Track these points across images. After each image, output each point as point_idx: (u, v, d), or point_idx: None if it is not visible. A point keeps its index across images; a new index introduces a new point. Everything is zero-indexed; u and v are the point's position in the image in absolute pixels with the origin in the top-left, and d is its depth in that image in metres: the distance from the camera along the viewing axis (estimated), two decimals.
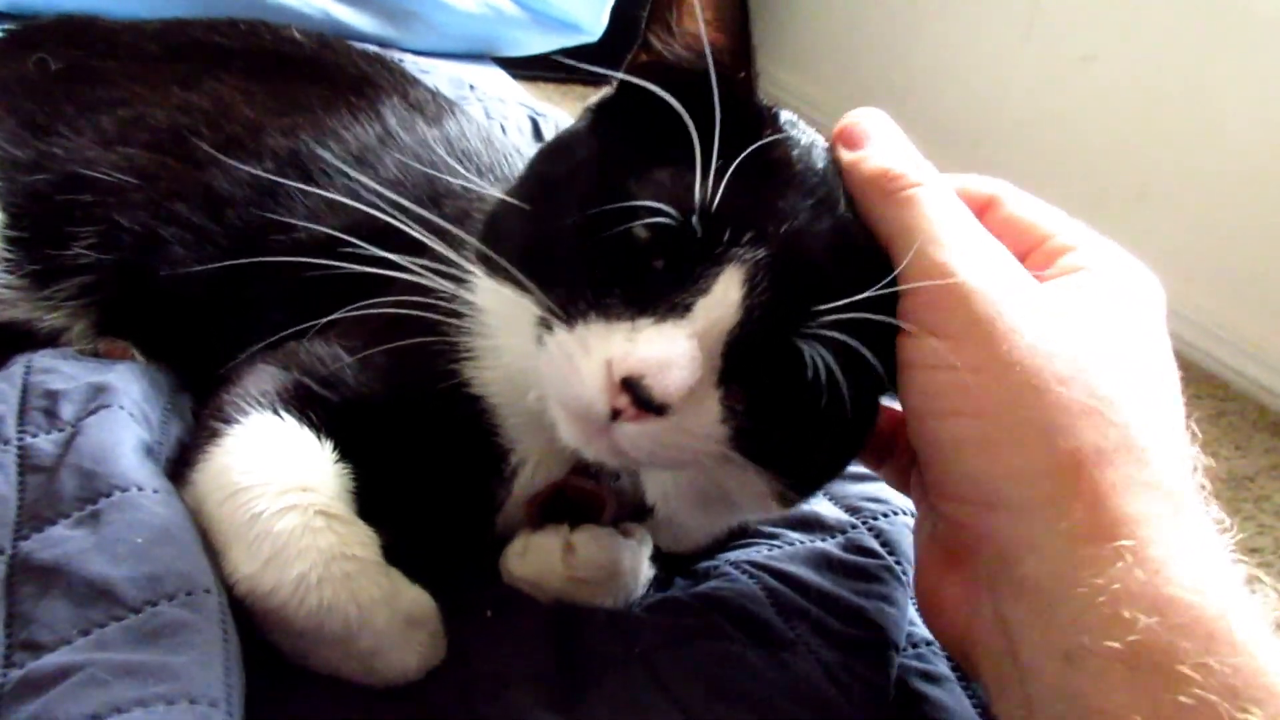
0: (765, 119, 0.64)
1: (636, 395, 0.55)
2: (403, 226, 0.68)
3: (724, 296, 0.57)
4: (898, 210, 0.60)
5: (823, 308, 0.57)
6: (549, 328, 0.60)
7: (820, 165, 0.63)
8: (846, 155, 0.64)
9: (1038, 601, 0.53)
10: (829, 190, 0.62)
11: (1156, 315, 0.62)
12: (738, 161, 0.58)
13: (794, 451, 0.62)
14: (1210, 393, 2.63)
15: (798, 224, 0.59)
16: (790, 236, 0.58)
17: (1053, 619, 0.52)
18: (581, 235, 0.61)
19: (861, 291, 0.57)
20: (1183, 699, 0.46)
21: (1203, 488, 0.57)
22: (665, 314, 0.57)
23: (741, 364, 0.58)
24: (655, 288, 0.58)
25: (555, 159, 0.71)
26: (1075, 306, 0.59)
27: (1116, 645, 0.48)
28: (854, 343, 0.57)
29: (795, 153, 0.63)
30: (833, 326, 0.57)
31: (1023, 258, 0.62)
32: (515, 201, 0.66)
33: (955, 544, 0.60)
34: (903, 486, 0.75)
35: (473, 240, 0.66)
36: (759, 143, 0.60)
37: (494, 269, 0.64)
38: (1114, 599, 0.49)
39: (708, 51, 0.59)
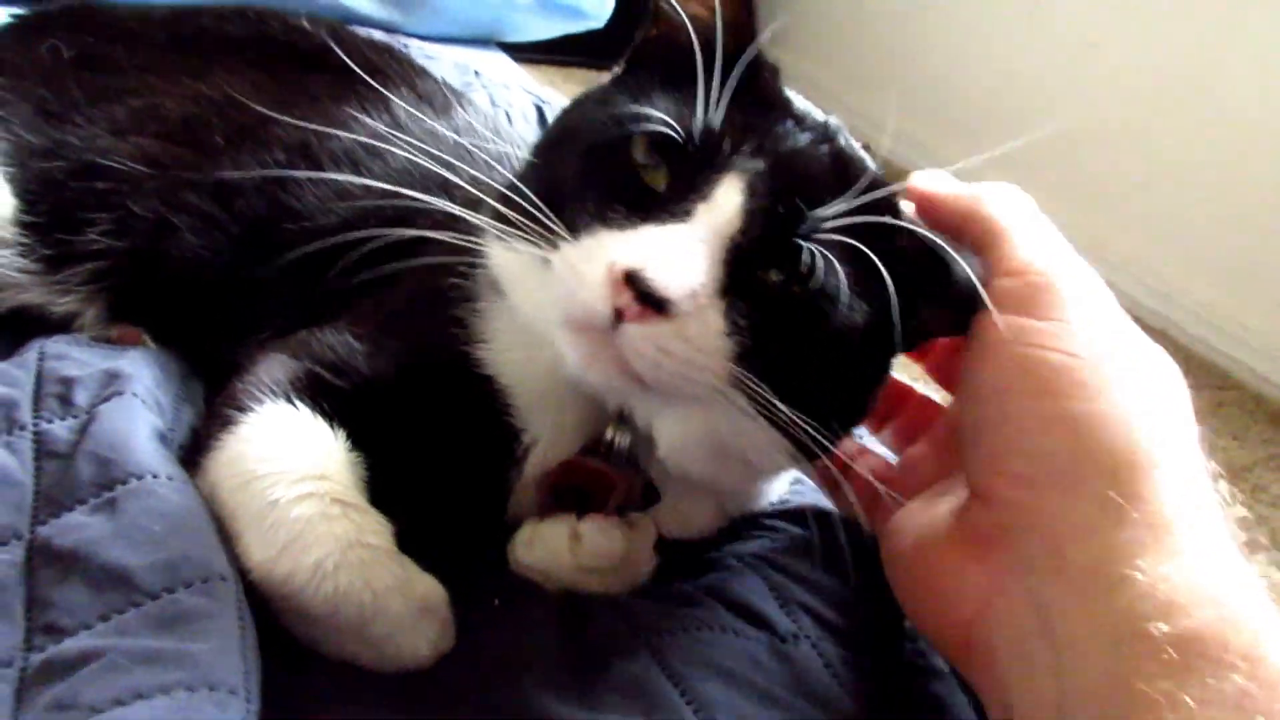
0: (765, 64, 0.67)
1: (638, 290, 0.56)
2: (417, 201, 0.69)
3: (724, 202, 0.59)
4: (973, 204, 0.65)
5: (823, 211, 0.59)
6: (555, 247, 0.61)
7: (821, 118, 0.67)
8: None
9: (1087, 584, 0.54)
10: (834, 137, 0.66)
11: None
12: (734, 82, 0.61)
13: (801, 381, 0.61)
14: (1208, 382, 2.64)
15: (797, 144, 0.63)
16: (790, 152, 0.62)
17: (1104, 602, 0.53)
18: (588, 161, 0.64)
19: (863, 200, 0.59)
20: (1231, 684, 0.48)
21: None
22: (667, 219, 0.59)
23: (744, 276, 0.59)
24: (658, 199, 0.61)
25: (567, 116, 0.74)
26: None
27: (1169, 630, 0.50)
28: (858, 244, 0.58)
29: (797, 100, 0.67)
30: (834, 232, 0.59)
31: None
32: (531, 159, 0.70)
33: (989, 525, 0.61)
34: (898, 451, 0.78)
35: (488, 201, 0.67)
36: (758, 67, 0.65)
37: (506, 226, 0.65)
38: (1171, 588, 0.51)
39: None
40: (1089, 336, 0.59)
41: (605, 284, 0.57)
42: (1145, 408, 0.58)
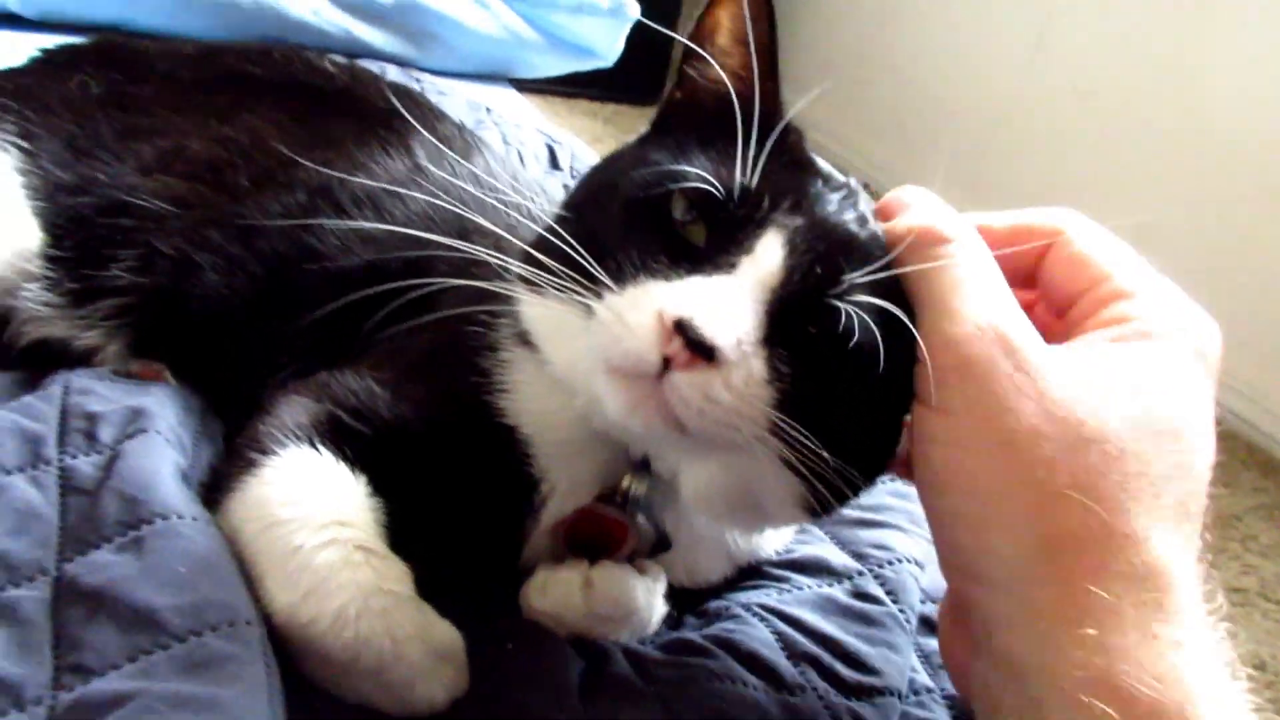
0: (792, 127, 0.69)
1: (688, 338, 0.57)
2: (445, 246, 0.71)
3: (767, 255, 0.61)
4: (925, 275, 0.60)
5: (857, 274, 0.61)
6: (599, 297, 0.63)
7: (843, 179, 0.69)
8: (887, 225, 0.66)
9: (1011, 674, 0.55)
10: (858, 199, 0.67)
11: (1199, 376, 0.60)
12: (771, 143, 0.64)
13: (835, 430, 0.61)
14: None
15: (829, 204, 0.65)
16: (824, 212, 0.64)
17: (1024, 693, 0.54)
18: (628, 215, 0.66)
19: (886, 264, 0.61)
20: None
21: (1204, 555, 0.58)
22: (712, 270, 0.61)
23: (786, 326, 0.61)
24: (700, 253, 0.63)
25: (602, 172, 0.77)
26: (1087, 378, 0.57)
27: None
28: (889, 305, 0.60)
29: (820, 161, 0.70)
30: (866, 291, 0.60)
31: (1075, 299, 0.63)
32: (564, 213, 0.71)
33: (956, 604, 0.63)
34: None
35: (514, 263, 0.69)
36: (786, 129, 0.66)
37: (536, 286, 0.67)
38: (1075, 684, 0.51)
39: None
40: (993, 428, 0.55)
41: (654, 332, 0.59)
42: (1062, 495, 0.53)
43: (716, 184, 0.63)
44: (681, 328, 0.58)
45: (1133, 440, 0.55)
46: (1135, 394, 0.57)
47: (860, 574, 0.83)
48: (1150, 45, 2.92)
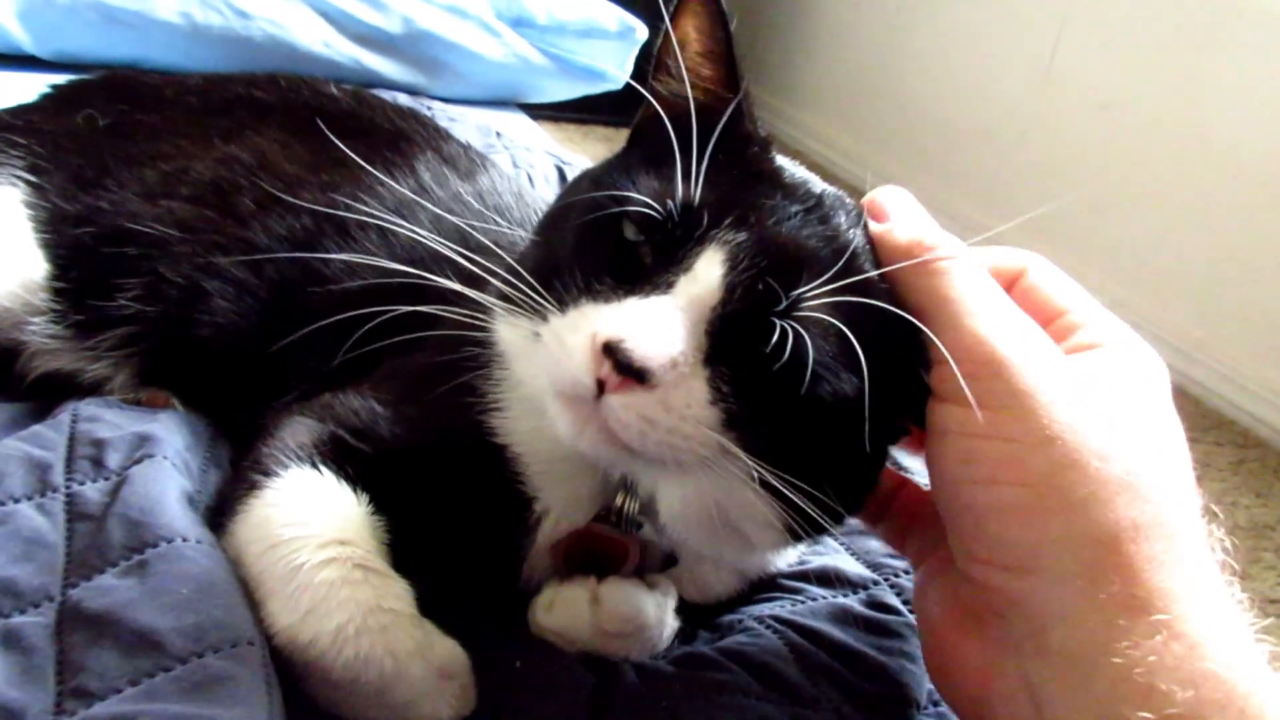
0: (754, 138, 0.68)
1: (617, 360, 0.57)
2: (433, 279, 0.71)
3: (705, 273, 0.60)
4: (931, 280, 0.61)
5: (805, 289, 0.59)
6: (545, 320, 0.63)
7: (818, 189, 0.67)
8: (875, 227, 0.65)
9: (1070, 669, 0.54)
10: (826, 211, 0.65)
11: (1164, 392, 0.63)
12: (707, 159, 0.62)
13: (791, 452, 0.61)
14: (1230, 440, 2.62)
15: (783, 218, 0.63)
16: (774, 226, 0.62)
17: (1087, 687, 0.53)
18: (579, 238, 0.65)
19: (847, 280, 0.59)
20: None
21: (1224, 551, 0.58)
22: (649, 291, 0.60)
23: (728, 345, 0.59)
24: (643, 273, 0.62)
25: (567, 194, 0.76)
26: (1100, 382, 0.60)
27: (1152, 717, 0.49)
28: (838, 323, 0.58)
29: (789, 170, 0.68)
30: (825, 308, 0.58)
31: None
32: (534, 237, 0.72)
33: (980, 607, 0.61)
34: (898, 546, 0.77)
35: (495, 281, 0.69)
36: (747, 141, 0.66)
37: (508, 300, 0.66)
38: (1150, 671, 0.50)
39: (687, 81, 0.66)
40: (1041, 421, 0.56)
41: (588, 356, 0.58)
42: (1119, 483, 0.55)
43: (654, 204, 0.62)
44: (610, 350, 0.57)
45: (1157, 435, 0.60)
46: (1138, 399, 0.61)
47: (875, 584, 0.82)
48: (1164, 60, 2.91)
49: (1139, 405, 0.60)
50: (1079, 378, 0.59)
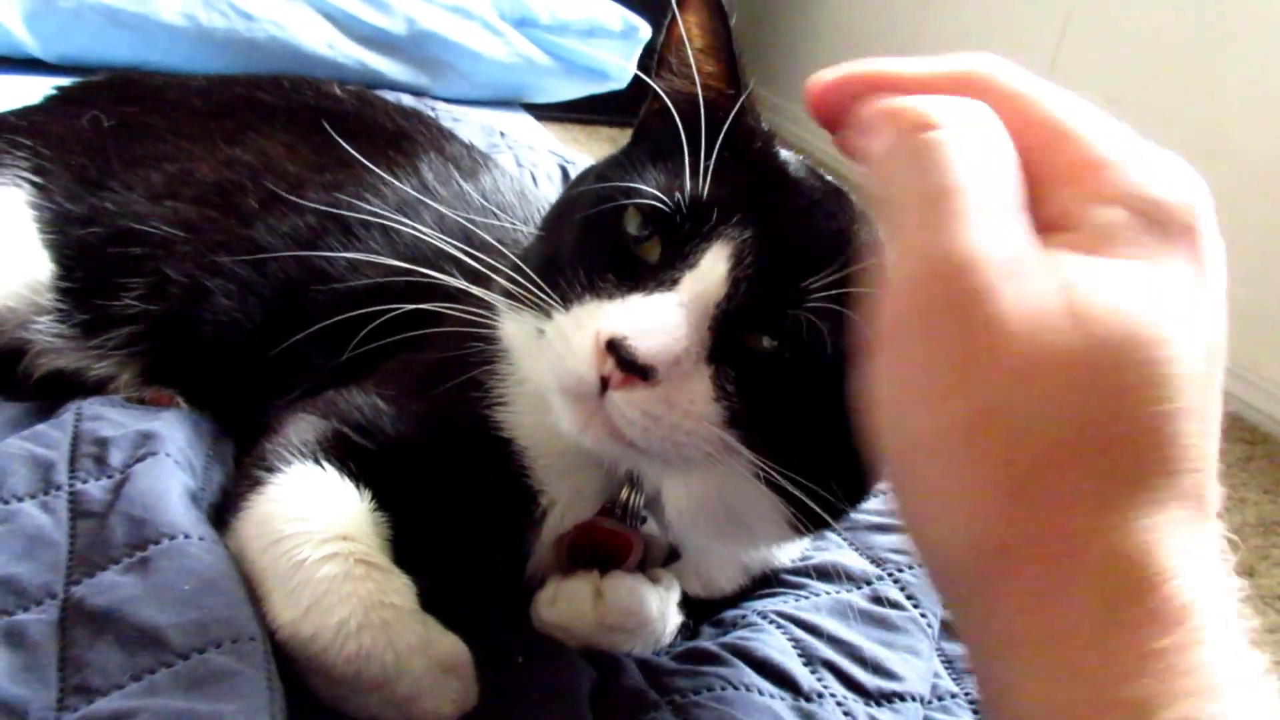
0: (758, 133, 0.67)
1: (620, 357, 0.57)
2: (437, 277, 0.71)
3: (710, 270, 0.59)
4: (907, 168, 0.43)
5: (810, 284, 0.58)
6: (549, 316, 0.63)
7: (821, 184, 0.67)
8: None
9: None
10: (830, 206, 0.64)
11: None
12: (716, 154, 0.62)
13: (796, 448, 0.60)
14: (1239, 436, 2.61)
15: (787, 213, 0.62)
16: (781, 221, 0.61)
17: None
18: (583, 233, 0.65)
19: (851, 273, 0.57)
20: None
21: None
22: (654, 288, 0.60)
23: (732, 341, 0.59)
24: (648, 269, 0.61)
25: (571, 189, 0.76)
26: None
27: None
28: (842, 318, 0.57)
29: (793, 165, 0.67)
30: (825, 302, 0.58)
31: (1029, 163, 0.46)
32: (539, 233, 0.72)
33: None
34: None
35: (499, 278, 0.69)
36: (752, 136, 0.65)
37: (513, 297, 0.67)
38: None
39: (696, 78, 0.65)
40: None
41: (591, 353, 0.58)
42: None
43: (663, 198, 0.61)
44: (614, 347, 0.57)
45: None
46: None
47: (879, 578, 0.82)
48: (1169, 55, 2.90)
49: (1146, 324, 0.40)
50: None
